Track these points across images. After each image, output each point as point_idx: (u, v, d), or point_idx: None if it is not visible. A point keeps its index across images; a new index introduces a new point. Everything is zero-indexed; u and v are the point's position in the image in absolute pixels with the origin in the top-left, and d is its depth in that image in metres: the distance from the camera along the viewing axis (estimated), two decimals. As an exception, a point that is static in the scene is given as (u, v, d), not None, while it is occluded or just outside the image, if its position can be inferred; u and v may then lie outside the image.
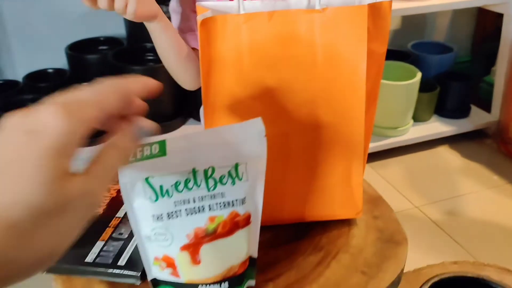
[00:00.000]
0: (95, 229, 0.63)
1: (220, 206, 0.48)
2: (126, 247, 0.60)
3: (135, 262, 0.57)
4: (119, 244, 0.60)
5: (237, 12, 0.56)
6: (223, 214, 0.48)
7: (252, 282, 0.55)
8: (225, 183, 0.47)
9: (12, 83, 1.50)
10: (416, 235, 1.49)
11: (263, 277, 0.56)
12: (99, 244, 0.60)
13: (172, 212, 0.47)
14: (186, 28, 0.86)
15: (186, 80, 0.87)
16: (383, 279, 0.55)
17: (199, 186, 0.47)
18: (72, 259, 0.58)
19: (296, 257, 0.59)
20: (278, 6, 0.57)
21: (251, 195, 0.49)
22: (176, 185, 0.46)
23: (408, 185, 1.72)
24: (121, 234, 0.62)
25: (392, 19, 2.35)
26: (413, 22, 2.16)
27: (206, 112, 0.60)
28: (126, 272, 0.56)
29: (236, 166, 0.47)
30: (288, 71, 0.57)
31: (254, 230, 0.51)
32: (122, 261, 0.58)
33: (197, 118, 1.25)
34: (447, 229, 1.51)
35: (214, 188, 0.47)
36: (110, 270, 0.57)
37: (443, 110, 1.95)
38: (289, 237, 0.62)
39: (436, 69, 1.95)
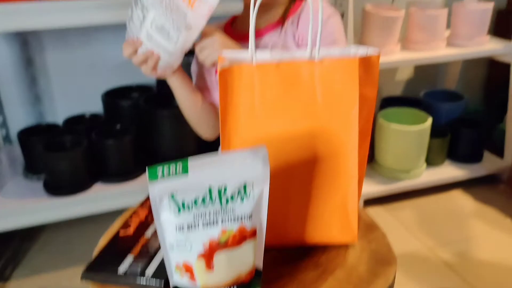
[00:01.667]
0: (127, 246, 0.73)
1: (231, 220, 0.57)
2: (152, 261, 0.69)
3: (159, 273, 0.67)
4: (146, 258, 0.70)
5: (250, 62, 0.68)
6: (233, 228, 0.57)
7: (258, 292, 0.64)
8: (235, 201, 0.57)
9: (53, 126, 1.66)
10: (427, 276, 1.52)
11: (268, 288, 0.65)
12: (129, 258, 0.70)
13: (191, 224, 0.57)
14: (202, 86, 0.99)
15: (203, 131, 0.98)
16: (373, 291, 0.63)
17: (214, 202, 0.57)
18: (107, 270, 0.68)
19: (298, 273, 0.67)
20: (284, 57, 0.69)
21: (257, 212, 0.59)
22: (195, 201, 0.56)
23: (420, 227, 1.76)
24: (148, 251, 0.72)
25: (405, 69, 2.45)
26: (426, 72, 2.27)
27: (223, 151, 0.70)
28: (151, 281, 0.66)
29: (245, 186, 0.57)
30: (292, 112, 0.68)
31: (259, 243, 0.60)
32: (149, 272, 0.67)
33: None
34: (458, 270, 1.54)
35: (226, 204, 0.57)
36: (138, 280, 0.66)
37: (456, 156, 2.02)
38: (292, 256, 0.71)
39: (447, 116, 2.03)
